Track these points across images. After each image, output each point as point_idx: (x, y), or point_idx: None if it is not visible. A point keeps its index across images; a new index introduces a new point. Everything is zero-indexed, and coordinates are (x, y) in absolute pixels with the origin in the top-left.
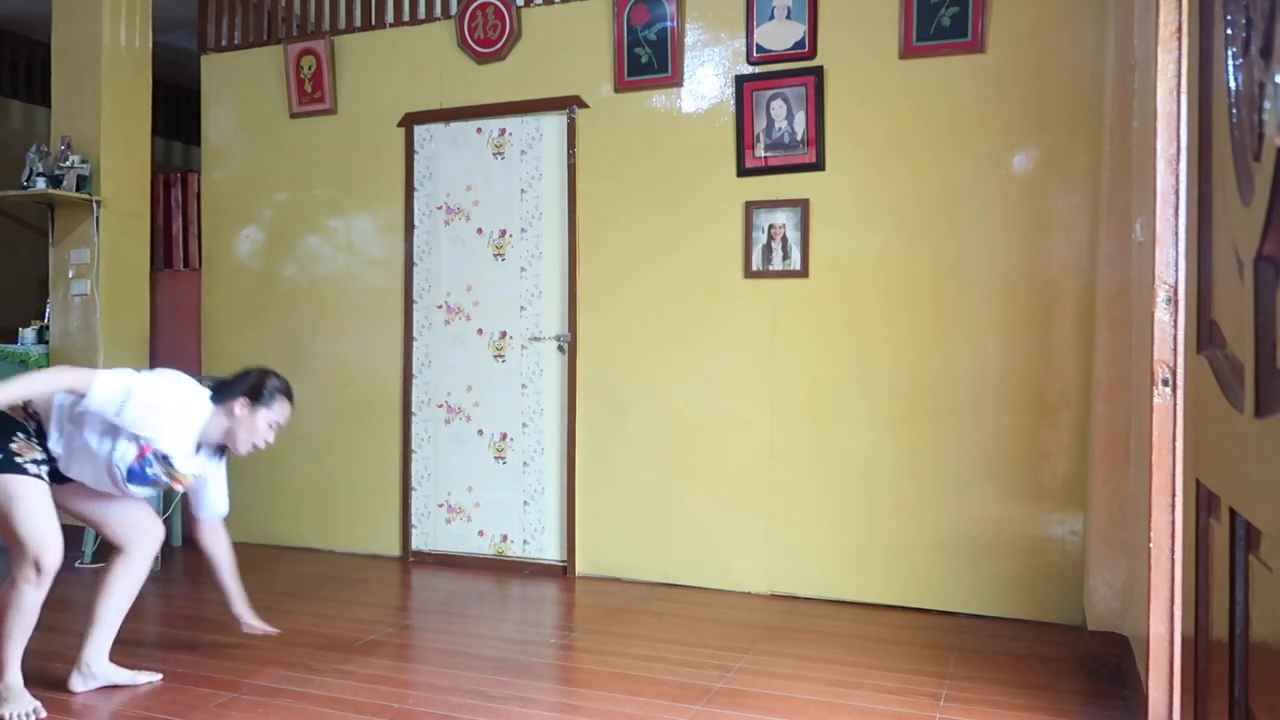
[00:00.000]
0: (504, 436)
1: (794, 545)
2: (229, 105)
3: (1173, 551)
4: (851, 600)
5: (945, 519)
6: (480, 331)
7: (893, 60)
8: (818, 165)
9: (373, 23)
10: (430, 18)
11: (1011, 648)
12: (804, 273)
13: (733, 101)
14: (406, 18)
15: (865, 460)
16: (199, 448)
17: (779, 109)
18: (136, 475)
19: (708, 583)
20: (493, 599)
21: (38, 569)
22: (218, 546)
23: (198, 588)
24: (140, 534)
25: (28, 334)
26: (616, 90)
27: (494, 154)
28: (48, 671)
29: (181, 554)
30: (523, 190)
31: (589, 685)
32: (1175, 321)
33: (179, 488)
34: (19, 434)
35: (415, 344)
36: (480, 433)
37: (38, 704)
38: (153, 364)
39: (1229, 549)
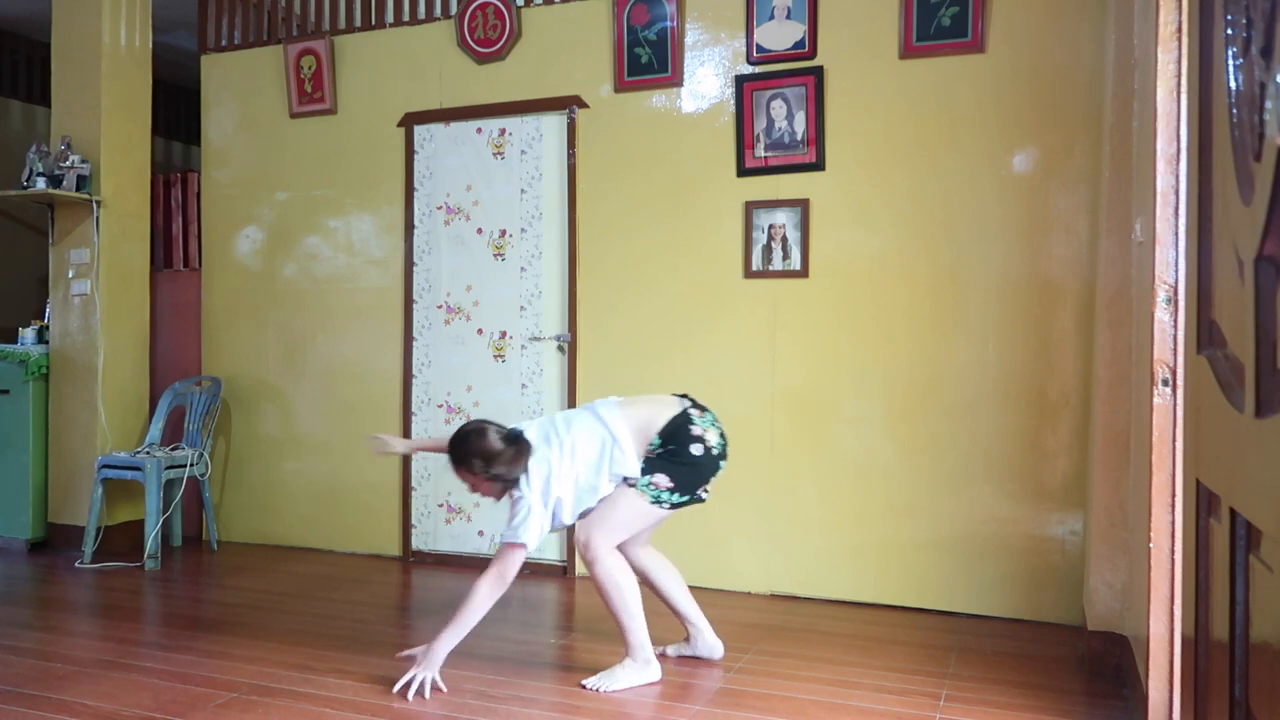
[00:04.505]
0: None
1: (794, 545)
2: (229, 105)
3: (1173, 551)
4: (851, 600)
5: (945, 519)
6: (480, 331)
7: (893, 60)
8: (818, 165)
9: (373, 23)
10: (430, 18)
11: (1011, 648)
12: (804, 273)
13: (733, 101)
14: (406, 18)
15: (865, 460)
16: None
17: (779, 109)
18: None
19: (708, 583)
20: None
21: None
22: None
23: (198, 587)
24: None
25: (28, 334)
26: (616, 90)
27: (494, 154)
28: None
29: (181, 554)
30: (523, 190)
31: None
32: (1175, 321)
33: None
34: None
35: (415, 344)
36: None
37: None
38: (153, 363)
39: (1229, 549)
